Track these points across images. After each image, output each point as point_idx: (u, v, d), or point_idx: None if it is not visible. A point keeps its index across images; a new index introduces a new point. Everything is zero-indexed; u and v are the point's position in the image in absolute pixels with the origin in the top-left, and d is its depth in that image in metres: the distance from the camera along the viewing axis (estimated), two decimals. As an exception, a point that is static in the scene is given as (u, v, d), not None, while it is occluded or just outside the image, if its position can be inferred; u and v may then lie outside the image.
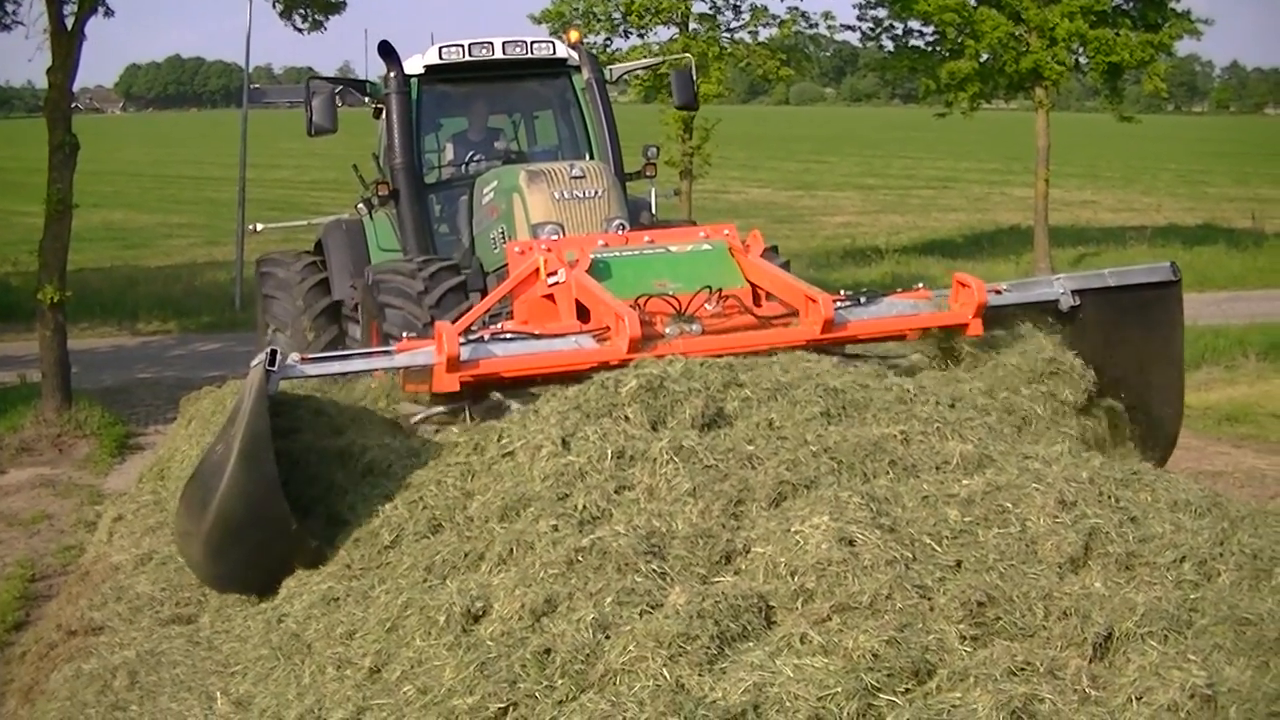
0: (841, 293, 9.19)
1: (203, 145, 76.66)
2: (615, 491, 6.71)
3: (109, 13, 16.49)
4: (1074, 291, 9.50)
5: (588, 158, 12.69)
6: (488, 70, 12.91)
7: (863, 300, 9.16)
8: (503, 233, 11.21)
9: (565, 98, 13.32)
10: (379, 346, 10.00)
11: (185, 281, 28.27)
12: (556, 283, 9.08)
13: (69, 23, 15.68)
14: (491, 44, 12.64)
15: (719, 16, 28.81)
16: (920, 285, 9.62)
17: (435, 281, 10.81)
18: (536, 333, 8.65)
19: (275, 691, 6.39)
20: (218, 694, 6.60)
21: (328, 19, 20.15)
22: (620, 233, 10.20)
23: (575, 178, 11.01)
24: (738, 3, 28.93)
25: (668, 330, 8.64)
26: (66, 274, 15.90)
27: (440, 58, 12.57)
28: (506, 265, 9.99)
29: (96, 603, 8.53)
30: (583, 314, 8.89)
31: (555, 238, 10.05)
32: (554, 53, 12.98)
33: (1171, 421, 9.79)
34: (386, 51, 12.44)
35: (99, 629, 8.10)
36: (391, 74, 12.44)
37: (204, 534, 7.49)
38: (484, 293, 10.84)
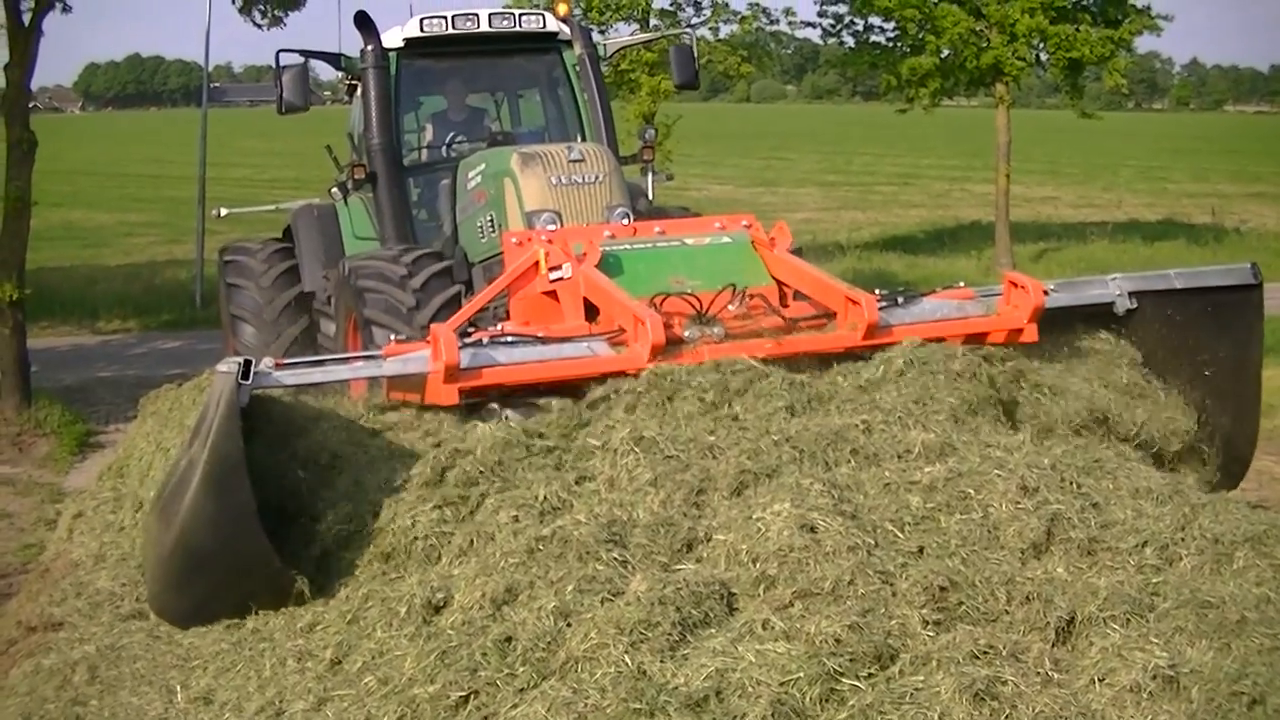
0: (876, 292, 8.30)
1: (162, 144, 75.96)
2: (576, 482, 6.66)
3: (66, 9, 16.20)
4: (1132, 293, 8.78)
5: (579, 139, 11.91)
6: (472, 44, 12.22)
7: (900, 301, 8.36)
8: (491, 220, 10.43)
9: (555, 74, 12.61)
10: (357, 351, 9.49)
11: (145, 280, 28.02)
12: (560, 278, 8.43)
13: (26, 18, 15.48)
14: (476, 16, 11.90)
15: (680, 13, 28.65)
16: (961, 283, 8.92)
17: (427, 294, 10.04)
18: (541, 335, 7.92)
19: (236, 685, 6.38)
20: (178, 688, 6.57)
21: (287, 15, 19.96)
22: (626, 223, 9.48)
23: (574, 161, 10.08)
24: (699, -1, 28.90)
25: (687, 334, 7.87)
26: (25, 272, 15.76)
27: (421, 30, 11.85)
28: (498, 256, 9.47)
29: (56, 599, 8.45)
30: (590, 313, 8.29)
31: (553, 227, 9.38)
32: (544, 26, 12.20)
33: (1245, 444, 9.06)
34: (363, 23, 11.73)
35: (59, 625, 8.03)
36: (368, 47, 11.77)
37: (163, 565, 7.18)
38: (469, 285, 10.30)
